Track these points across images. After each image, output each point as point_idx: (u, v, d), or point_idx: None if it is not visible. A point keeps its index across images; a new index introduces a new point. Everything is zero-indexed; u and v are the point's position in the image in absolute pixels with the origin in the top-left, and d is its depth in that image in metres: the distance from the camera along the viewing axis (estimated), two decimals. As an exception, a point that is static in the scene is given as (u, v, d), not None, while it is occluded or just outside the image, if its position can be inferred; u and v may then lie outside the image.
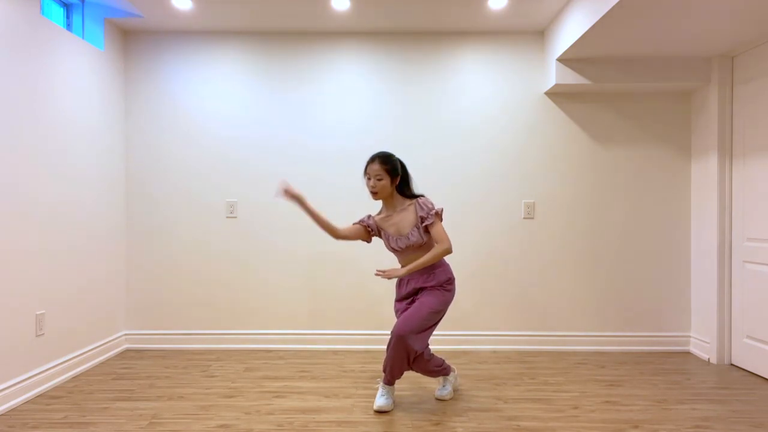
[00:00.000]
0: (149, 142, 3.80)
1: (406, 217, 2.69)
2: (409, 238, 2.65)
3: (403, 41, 3.81)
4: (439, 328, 3.78)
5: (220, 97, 3.81)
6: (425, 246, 2.67)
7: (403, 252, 2.71)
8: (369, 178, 2.70)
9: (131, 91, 3.80)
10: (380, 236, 2.81)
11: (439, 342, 3.78)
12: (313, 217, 2.73)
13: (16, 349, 2.71)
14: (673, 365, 3.44)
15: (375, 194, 2.71)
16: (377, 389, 2.75)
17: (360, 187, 3.77)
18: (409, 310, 2.62)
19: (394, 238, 2.70)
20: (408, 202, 2.73)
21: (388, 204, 2.77)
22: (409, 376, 3.19)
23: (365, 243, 2.89)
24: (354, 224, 2.83)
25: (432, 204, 2.68)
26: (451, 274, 2.73)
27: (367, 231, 2.80)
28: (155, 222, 3.80)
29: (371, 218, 2.81)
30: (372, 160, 2.70)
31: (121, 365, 3.40)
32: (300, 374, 3.22)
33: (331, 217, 3.76)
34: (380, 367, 3.34)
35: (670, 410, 2.66)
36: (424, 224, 2.63)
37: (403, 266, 2.70)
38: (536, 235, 3.81)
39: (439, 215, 2.65)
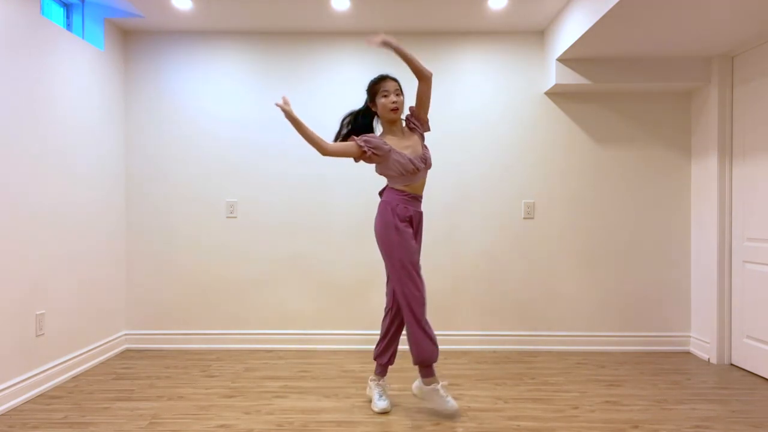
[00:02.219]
0: (149, 142, 3.80)
1: (414, 138, 2.70)
2: (425, 156, 2.64)
3: (403, 41, 3.77)
4: (439, 328, 3.79)
5: (220, 97, 3.81)
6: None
7: (420, 173, 2.65)
8: (387, 95, 2.60)
9: (131, 91, 3.80)
10: (373, 160, 2.62)
11: (439, 342, 3.76)
12: (300, 130, 2.59)
13: (16, 349, 2.71)
14: (673, 365, 3.44)
15: (396, 111, 2.62)
16: (371, 390, 2.72)
17: (360, 184, 3.79)
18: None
19: (417, 159, 2.60)
20: (404, 124, 2.74)
21: (395, 127, 2.68)
22: (410, 376, 3.19)
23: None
24: (344, 142, 2.67)
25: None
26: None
27: (360, 150, 2.59)
28: (155, 222, 3.80)
29: (375, 140, 2.59)
30: (384, 78, 2.65)
31: (121, 365, 3.40)
32: (300, 374, 3.22)
33: (332, 218, 3.81)
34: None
35: (670, 410, 2.66)
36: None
37: (416, 191, 2.66)
38: (536, 235, 3.81)
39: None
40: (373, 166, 2.71)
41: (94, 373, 3.24)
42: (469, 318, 3.81)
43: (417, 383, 2.69)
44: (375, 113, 2.73)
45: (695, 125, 3.74)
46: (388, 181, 2.69)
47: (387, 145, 2.60)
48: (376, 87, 2.67)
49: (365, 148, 2.58)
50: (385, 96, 2.63)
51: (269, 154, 3.81)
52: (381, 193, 2.73)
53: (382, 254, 2.65)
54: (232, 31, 3.79)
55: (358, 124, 2.74)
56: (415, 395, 2.72)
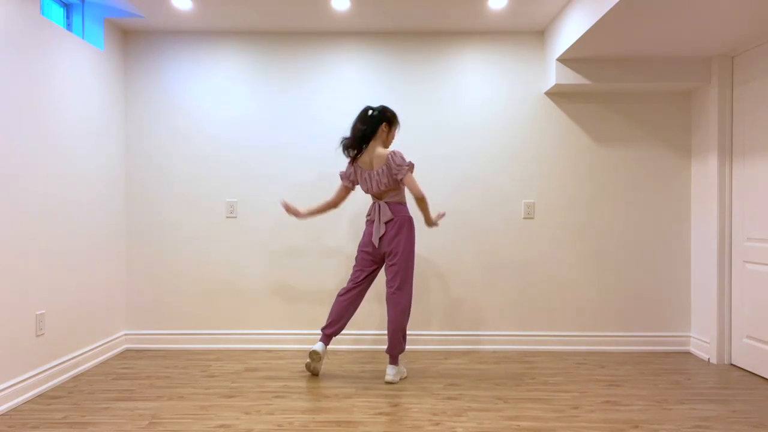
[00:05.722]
0: (149, 142, 3.80)
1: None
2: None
3: (403, 41, 3.81)
4: (439, 328, 3.80)
5: (220, 97, 3.81)
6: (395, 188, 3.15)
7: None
8: (396, 132, 3.26)
9: (131, 92, 3.80)
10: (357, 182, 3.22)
11: (439, 342, 3.78)
12: (314, 214, 3.29)
13: (16, 349, 2.71)
14: (673, 365, 3.45)
15: None
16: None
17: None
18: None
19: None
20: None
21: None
22: (411, 377, 3.19)
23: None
24: (339, 186, 3.28)
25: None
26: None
27: (350, 182, 3.23)
28: (155, 222, 3.80)
29: (350, 166, 3.19)
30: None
31: (121, 365, 3.40)
32: (300, 374, 3.22)
33: (335, 218, 3.80)
34: (380, 366, 3.34)
35: (670, 410, 2.66)
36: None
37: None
38: (536, 235, 3.81)
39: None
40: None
41: (94, 373, 3.24)
42: (469, 318, 3.81)
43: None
44: (377, 124, 3.11)
45: (695, 125, 3.74)
46: (400, 197, 3.14)
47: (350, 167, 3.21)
48: (398, 120, 3.21)
49: (345, 183, 3.24)
50: (396, 132, 3.24)
51: (269, 154, 3.81)
52: (396, 211, 3.11)
53: (408, 257, 3.09)
54: (232, 31, 3.79)
55: (359, 132, 3.13)
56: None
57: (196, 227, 3.81)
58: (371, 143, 3.10)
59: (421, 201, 3.02)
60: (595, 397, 2.84)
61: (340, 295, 3.18)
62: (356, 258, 3.23)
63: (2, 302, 2.61)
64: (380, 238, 3.09)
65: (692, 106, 3.78)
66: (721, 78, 3.47)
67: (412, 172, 3.03)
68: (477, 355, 3.64)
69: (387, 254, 3.09)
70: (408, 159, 3.12)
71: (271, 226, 3.81)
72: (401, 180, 3.01)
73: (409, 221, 3.10)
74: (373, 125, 3.09)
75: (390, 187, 3.08)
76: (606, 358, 3.61)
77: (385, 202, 3.09)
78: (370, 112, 3.13)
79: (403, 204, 3.13)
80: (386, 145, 3.17)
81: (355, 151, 3.12)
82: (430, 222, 3.12)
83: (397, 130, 3.21)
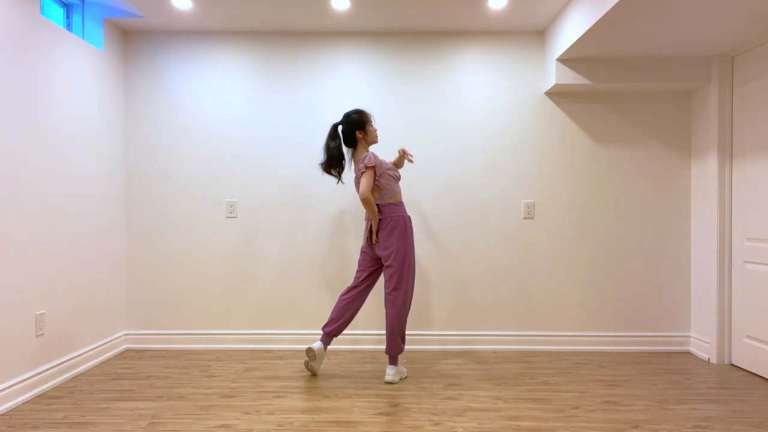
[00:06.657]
0: (149, 142, 3.80)
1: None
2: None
3: (403, 41, 3.81)
4: (439, 328, 3.80)
5: (219, 97, 3.81)
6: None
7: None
8: (373, 125, 3.18)
9: (131, 91, 3.80)
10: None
11: (439, 342, 3.78)
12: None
13: (16, 349, 2.71)
14: (673, 365, 3.45)
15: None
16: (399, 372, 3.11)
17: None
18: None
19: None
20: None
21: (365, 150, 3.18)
22: (411, 377, 3.19)
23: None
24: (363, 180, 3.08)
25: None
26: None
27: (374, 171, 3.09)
28: (155, 222, 3.80)
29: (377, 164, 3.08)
30: (364, 111, 3.18)
31: (121, 365, 3.40)
32: (300, 374, 3.22)
33: (333, 219, 3.81)
34: (380, 366, 3.34)
35: (670, 410, 2.66)
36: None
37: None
38: (536, 236, 3.81)
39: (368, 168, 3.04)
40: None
41: (94, 373, 3.24)
42: (469, 317, 3.80)
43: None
44: (351, 134, 3.13)
45: (695, 125, 3.74)
46: (390, 197, 3.11)
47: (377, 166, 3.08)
48: (366, 116, 3.13)
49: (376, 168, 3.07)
50: (372, 125, 3.17)
51: (269, 154, 3.81)
52: (387, 212, 3.09)
53: (404, 257, 3.08)
54: (232, 31, 3.79)
55: (332, 151, 3.15)
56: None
57: (196, 227, 3.81)
58: (356, 150, 3.16)
59: (363, 202, 3.02)
60: (595, 397, 2.84)
61: (342, 294, 3.21)
62: (359, 259, 3.25)
63: (2, 302, 2.61)
64: (375, 241, 3.11)
65: (692, 106, 3.78)
66: (721, 78, 3.47)
67: (373, 172, 3.02)
68: (477, 355, 3.64)
69: (382, 256, 3.10)
70: (376, 162, 3.04)
71: (271, 225, 3.81)
72: (358, 177, 3.08)
73: (404, 221, 3.09)
74: (349, 137, 3.13)
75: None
76: (606, 358, 3.61)
77: (376, 204, 3.10)
78: (340, 127, 3.17)
79: (397, 204, 3.12)
80: (371, 144, 3.19)
81: (338, 168, 3.16)
82: (375, 227, 3.07)
83: (371, 126, 3.15)
